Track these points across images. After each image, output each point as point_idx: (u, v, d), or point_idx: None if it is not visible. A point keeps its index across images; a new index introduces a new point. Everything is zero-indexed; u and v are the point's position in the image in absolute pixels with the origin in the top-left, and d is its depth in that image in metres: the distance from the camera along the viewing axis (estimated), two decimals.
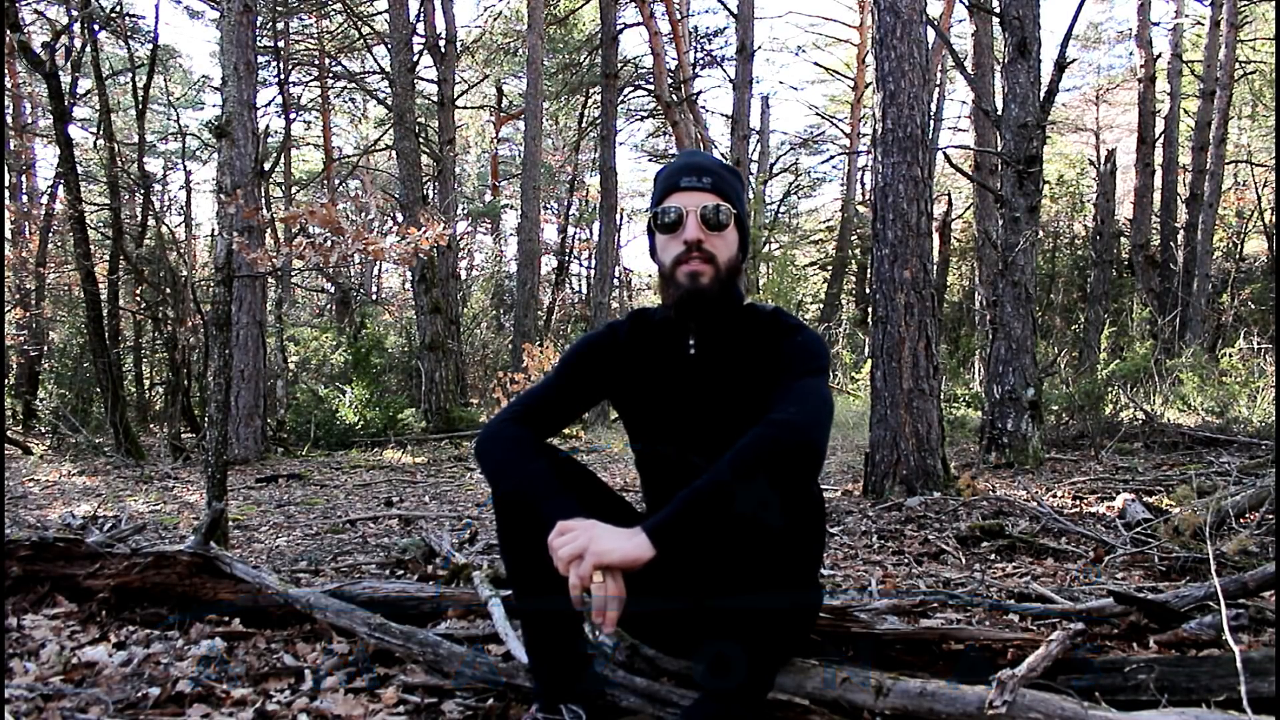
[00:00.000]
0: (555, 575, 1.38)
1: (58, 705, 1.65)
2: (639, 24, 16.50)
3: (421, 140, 15.21)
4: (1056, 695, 1.44)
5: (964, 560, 3.43)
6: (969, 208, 18.16)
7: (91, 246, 10.77)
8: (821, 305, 23.43)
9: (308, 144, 24.40)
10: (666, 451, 1.70)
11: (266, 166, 13.26)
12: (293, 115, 19.75)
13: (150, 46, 12.18)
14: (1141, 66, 14.89)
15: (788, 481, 1.39)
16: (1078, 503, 4.74)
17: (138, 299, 12.63)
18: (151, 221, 13.03)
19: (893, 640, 1.82)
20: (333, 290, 19.74)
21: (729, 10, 16.75)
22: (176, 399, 11.20)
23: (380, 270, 24.88)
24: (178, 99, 17.89)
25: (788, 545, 1.48)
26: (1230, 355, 10.12)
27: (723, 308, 1.65)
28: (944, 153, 9.76)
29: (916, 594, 2.68)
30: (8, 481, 7.70)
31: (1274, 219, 14.85)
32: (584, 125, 22.82)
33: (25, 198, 17.95)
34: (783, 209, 26.46)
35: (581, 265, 27.64)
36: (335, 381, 13.41)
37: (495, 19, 20.84)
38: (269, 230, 14.10)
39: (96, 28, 11.38)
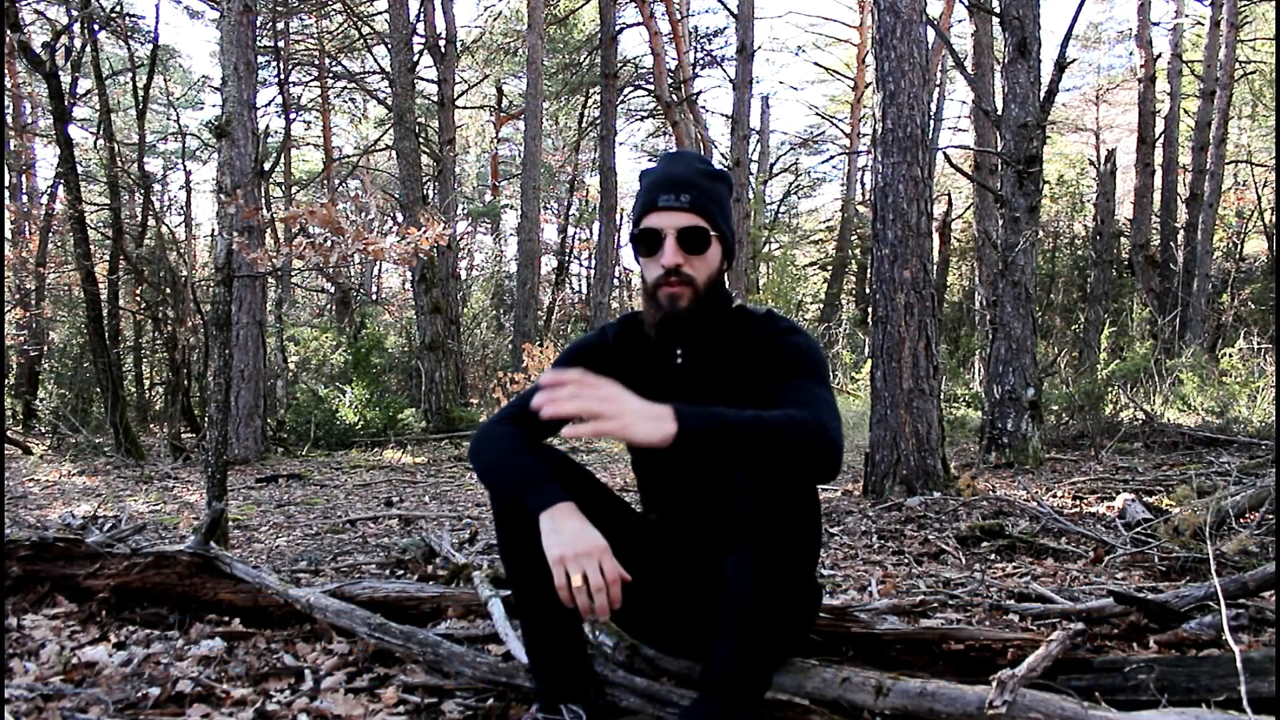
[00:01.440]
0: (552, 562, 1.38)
1: (58, 705, 1.65)
2: (639, 24, 16.51)
3: (421, 140, 15.21)
4: (1056, 695, 1.44)
5: (964, 560, 3.43)
6: (969, 208, 18.17)
7: (91, 246, 10.77)
8: (821, 305, 23.43)
9: (308, 144, 24.39)
10: (665, 463, 1.69)
11: (266, 166, 13.25)
12: (293, 115, 19.75)
13: (150, 46, 12.19)
14: (1141, 66, 14.89)
15: (804, 471, 1.38)
16: (1078, 503, 4.74)
17: (138, 299, 12.63)
18: (151, 221, 13.03)
19: (893, 640, 1.82)
20: (333, 290, 19.74)
21: (729, 10, 16.75)
22: (176, 399, 11.20)
23: (380, 270, 24.88)
24: (178, 99, 17.90)
25: (785, 544, 1.48)
26: (1230, 355, 10.12)
27: (705, 323, 1.65)
28: (944, 153, 9.76)
29: (916, 594, 2.68)
30: (8, 481, 7.70)
31: (1274, 219, 14.86)
32: (584, 125, 22.83)
33: (25, 198, 17.96)
34: (783, 209, 26.47)
35: (581, 265, 27.66)
36: (335, 381, 13.41)
37: (495, 19, 20.84)
38: (269, 230, 14.10)
39: (96, 28, 11.38)
